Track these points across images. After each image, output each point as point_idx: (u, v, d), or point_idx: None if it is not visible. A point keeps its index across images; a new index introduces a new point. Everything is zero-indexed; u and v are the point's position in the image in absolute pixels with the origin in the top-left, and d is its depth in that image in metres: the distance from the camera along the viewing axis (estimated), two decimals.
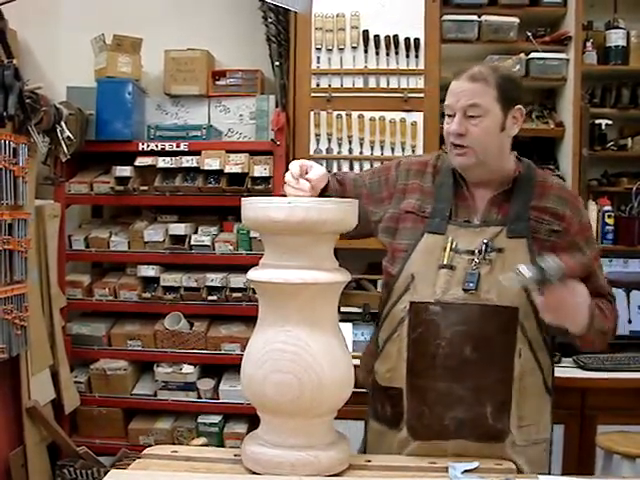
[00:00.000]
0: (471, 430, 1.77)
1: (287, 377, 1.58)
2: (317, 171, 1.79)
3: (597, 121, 3.64)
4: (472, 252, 1.80)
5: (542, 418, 1.88)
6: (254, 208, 1.61)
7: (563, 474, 2.86)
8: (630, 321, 3.48)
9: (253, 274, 1.65)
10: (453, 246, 1.81)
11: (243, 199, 1.67)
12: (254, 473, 1.66)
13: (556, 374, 3.03)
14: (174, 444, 3.21)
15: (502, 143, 1.85)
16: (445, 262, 1.81)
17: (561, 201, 1.88)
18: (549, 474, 1.90)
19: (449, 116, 1.83)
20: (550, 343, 1.87)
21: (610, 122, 3.66)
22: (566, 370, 3.19)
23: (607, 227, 3.59)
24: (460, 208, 1.88)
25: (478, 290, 1.77)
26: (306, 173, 1.77)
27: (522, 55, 3.56)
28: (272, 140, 3.47)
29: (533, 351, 1.81)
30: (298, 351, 1.59)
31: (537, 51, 3.55)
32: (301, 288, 1.59)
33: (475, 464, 1.71)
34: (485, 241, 1.79)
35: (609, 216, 3.60)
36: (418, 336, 1.80)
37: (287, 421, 1.64)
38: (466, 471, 1.68)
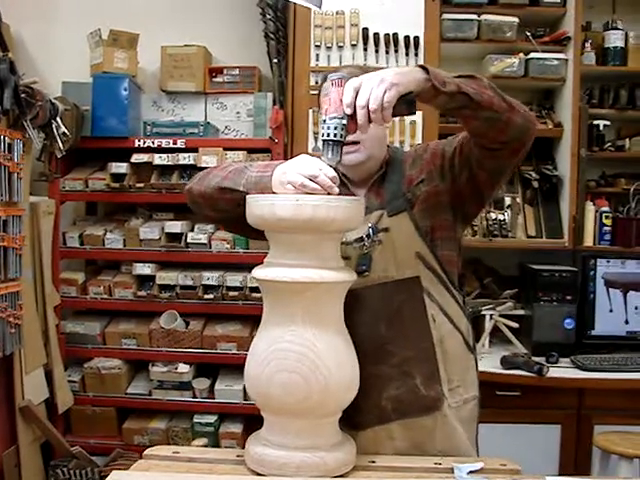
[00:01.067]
0: (408, 406, 1.82)
1: (293, 377, 1.55)
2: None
3: (595, 122, 3.64)
4: (361, 239, 1.86)
5: (468, 376, 1.91)
6: (260, 205, 1.58)
7: (560, 474, 2.88)
8: (627, 322, 3.49)
9: (258, 272, 1.63)
10: (344, 239, 1.83)
11: (248, 196, 1.65)
12: (258, 474, 1.63)
13: (554, 374, 3.11)
14: (169, 444, 3.19)
15: (384, 134, 1.95)
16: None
17: (417, 155, 1.93)
18: (477, 430, 1.95)
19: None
20: (462, 303, 1.92)
21: (608, 123, 3.67)
22: (563, 370, 3.21)
23: (605, 228, 3.60)
24: None
25: (373, 271, 1.83)
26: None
27: (521, 55, 3.56)
28: (270, 138, 3.44)
29: (446, 314, 1.86)
30: (304, 351, 1.56)
31: (536, 51, 3.56)
32: (307, 287, 1.57)
33: (480, 465, 1.70)
34: (369, 225, 1.85)
35: (607, 217, 3.60)
36: None
37: (293, 422, 1.61)
38: (471, 472, 1.66)
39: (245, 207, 1.66)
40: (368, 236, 1.85)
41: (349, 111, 1.55)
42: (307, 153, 3.12)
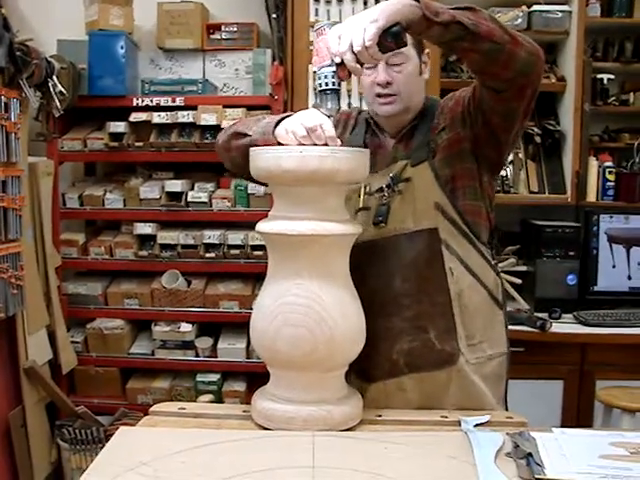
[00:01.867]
0: (421, 360, 1.79)
1: (299, 331, 1.55)
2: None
3: (599, 75, 3.59)
4: (381, 189, 1.84)
5: (494, 333, 1.87)
6: (264, 158, 1.56)
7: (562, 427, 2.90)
8: (630, 277, 3.49)
9: (263, 226, 1.61)
10: (367, 190, 1.85)
11: (251, 149, 1.62)
12: (265, 429, 1.63)
13: (557, 330, 3.11)
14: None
15: (421, 87, 1.92)
16: (361, 205, 1.86)
17: (445, 104, 1.91)
18: (506, 387, 1.93)
19: (368, 68, 1.83)
20: (490, 256, 1.87)
21: (612, 77, 3.62)
22: (566, 326, 3.21)
23: (608, 183, 3.58)
24: (379, 156, 1.90)
25: (390, 222, 1.81)
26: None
27: (524, 7, 3.50)
28: (270, 94, 3.39)
29: (467, 267, 1.82)
30: (310, 304, 1.55)
31: (539, 3, 3.49)
32: (313, 240, 1.55)
33: (486, 417, 1.70)
34: (391, 175, 1.83)
35: (610, 172, 3.58)
36: None
37: (299, 376, 1.61)
38: (478, 424, 1.67)
39: None
40: (388, 186, 1.83)
41: (337, 59, 1.54)
42: (307, 109, 3.08)
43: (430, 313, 1.79)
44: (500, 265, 3.37)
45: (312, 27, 3.31)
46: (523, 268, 3.51)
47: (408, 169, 1.83)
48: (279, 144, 1.62)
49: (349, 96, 3.36)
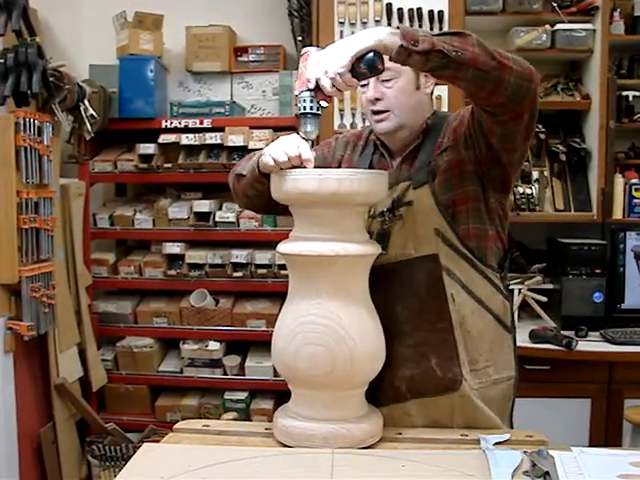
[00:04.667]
0: (423, 386, 1.78)
1: (319, 350, 1.57)
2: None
3: (624, 93, 3.58)
4: (382, 213, 1.83)
5: (500, 357, 1.83)
6: (284, 181, 1.59)
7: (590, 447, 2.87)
8: None
9: (284, 247, 1.64)
10: (371, 213, 1.84)
11: (272, 173, 1.66)
12: (286, 446, 1.65)
13: (583, 348, 3.09)
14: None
15: (420, 102, 1.86)
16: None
17: (449, 122, 1.86)
18: (511, 409, 1.89)
19: (363, 86, 1.85)
20: (498, 279, 1.83)
21: (638, 94, 3.60)
22: (593, 344, 3.18)
23: (634, 200, 3.54)
24: None
25: (391, 248, 1.79)
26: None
27: (547, 26, 3.50)
28: (296, 116, 3.43)
29: (470, 293, 1.78)
30: (329, 323, 1.58)
31: (563, 22, 3.49)
32: (332, 260, 1.58)
33: (506, 436, 1.70)
34: (393, 197, 1.81)
35: (636, 189, 3.54)
36: None
37: (319, 394, 1.63)
38: (498, 443, 1.67)
39: (251, 188, 1.79)
40: (389, 210, 1.81)
41: (311, 85, 1.58)
42: (333, 130, 3.13)
43: (431, 340, 1.77)
44: (526, 283, 3.39)
45: None
46: (549, 286, 3.49)
47: (410, 191, 1.80)
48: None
49: (353, 115, 3.39)
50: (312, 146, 1.68)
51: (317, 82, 1.57)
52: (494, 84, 1.53)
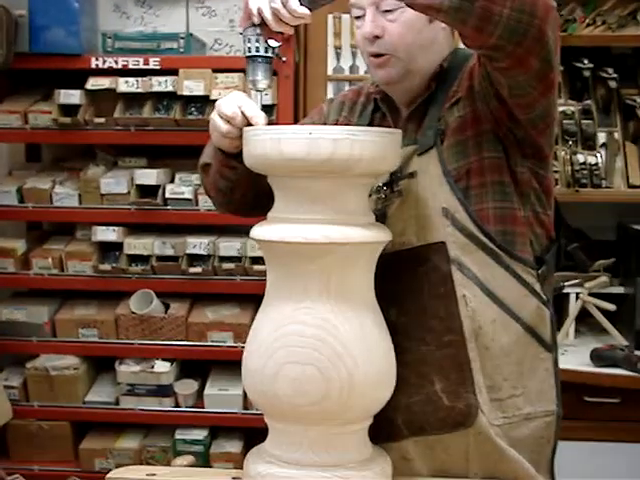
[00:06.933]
0: (424, 419, 1.76)
1: (307, 370, 1.57)
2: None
3: None
4: (378, 189, 1.83)
5: (534, 383, 1.81)
6: (262, 141, 1.59)
7: None
8: None
9: (260, 231, 1.65)
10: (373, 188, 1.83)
11: (245, 129, 1.66)
12: None
13: None
14: None
15: (433, 39, 1.83)
16: None
17: (467, 65, 1.83)
18: (552, 454, 1.86)
19: (357, 18, 1.83)
20: (535, 277, 1.80)
21: None
22: None
23: None
24: None
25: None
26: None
27: None
28: (276, 55, 3.44)
29: (491, 295, 1.76)
30: (322, 335, 1.58)
31: None
32: (326, 250, 1.58)
33: None
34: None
35: None
36: None
37: (306, 430, 1.64)
38: None
39: (221, 178, 1.84)
40: (387, 185, 1.81)
41: (255, 20, 1.63)
42: (326, 75, 3.17)
43: (436, 357, 1.75)
44: (586, 285, 3.41)
45: None
46: (619, 290, 3.51)
47: (415, 160, 1.80)
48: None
49: (353, 55, 3.42)
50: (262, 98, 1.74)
51: (261, 15, 1.61)
52: (479, 18, 1.48)
